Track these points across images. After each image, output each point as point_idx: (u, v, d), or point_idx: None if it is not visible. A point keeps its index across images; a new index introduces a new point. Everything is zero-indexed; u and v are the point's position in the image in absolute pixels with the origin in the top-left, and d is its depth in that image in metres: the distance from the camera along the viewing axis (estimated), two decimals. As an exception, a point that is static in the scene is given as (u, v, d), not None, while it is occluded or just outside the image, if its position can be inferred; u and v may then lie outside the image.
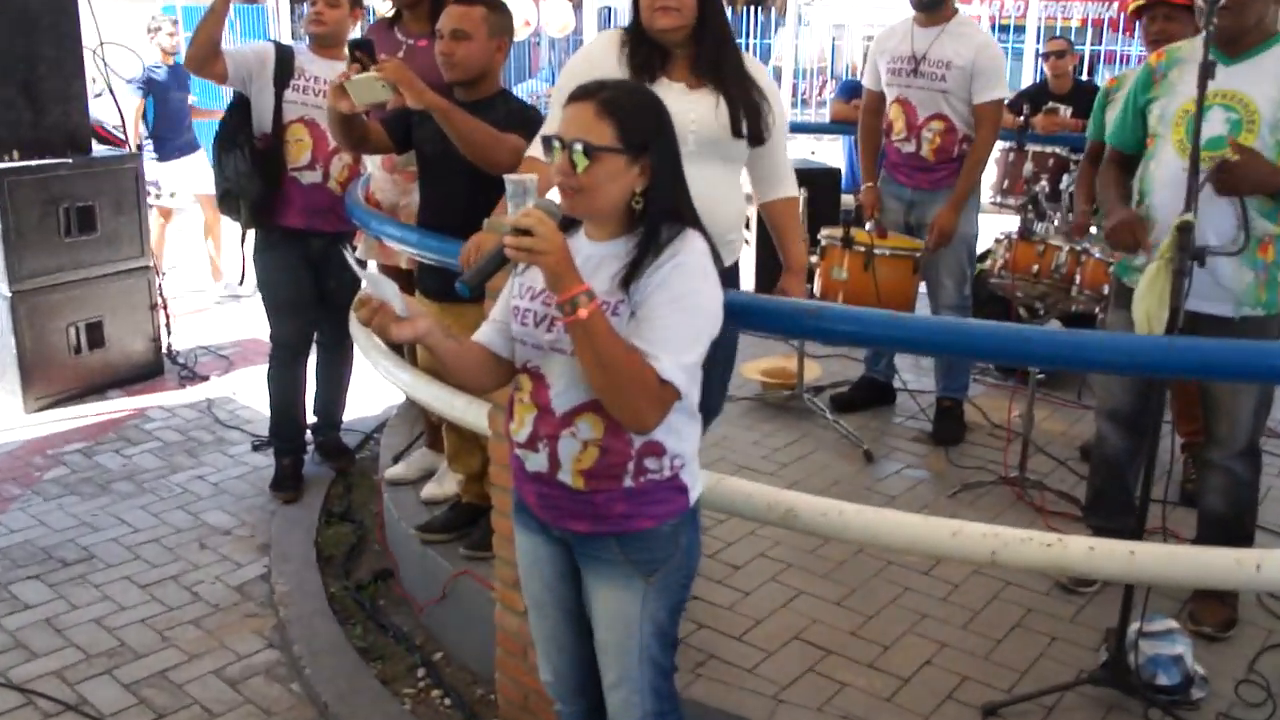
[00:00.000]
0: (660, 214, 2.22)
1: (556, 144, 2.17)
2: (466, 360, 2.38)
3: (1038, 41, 14.64)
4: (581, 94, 2.21)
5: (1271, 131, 3.15)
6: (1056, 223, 4.75)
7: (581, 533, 2.32)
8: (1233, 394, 3.35)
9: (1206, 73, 2.81)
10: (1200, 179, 2.86)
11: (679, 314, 2.14)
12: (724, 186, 3.01)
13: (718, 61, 2.98)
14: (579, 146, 2.13)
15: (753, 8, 20.21)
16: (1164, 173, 3.32)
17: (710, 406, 3.09)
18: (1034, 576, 3.73)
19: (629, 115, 2.18)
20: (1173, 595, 3.52)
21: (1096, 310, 4.31)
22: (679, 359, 2.12)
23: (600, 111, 2.16)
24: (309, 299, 4.85)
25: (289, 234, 4.71)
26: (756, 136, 3.02)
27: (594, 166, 2.14)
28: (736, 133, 2.96)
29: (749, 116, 2.97)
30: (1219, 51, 3.17)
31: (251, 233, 4.87)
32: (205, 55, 4.42)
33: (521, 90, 17.14)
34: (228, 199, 4.68)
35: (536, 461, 2.30)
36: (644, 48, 3.03)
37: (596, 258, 2.24)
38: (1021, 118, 5.44)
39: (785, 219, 3.10)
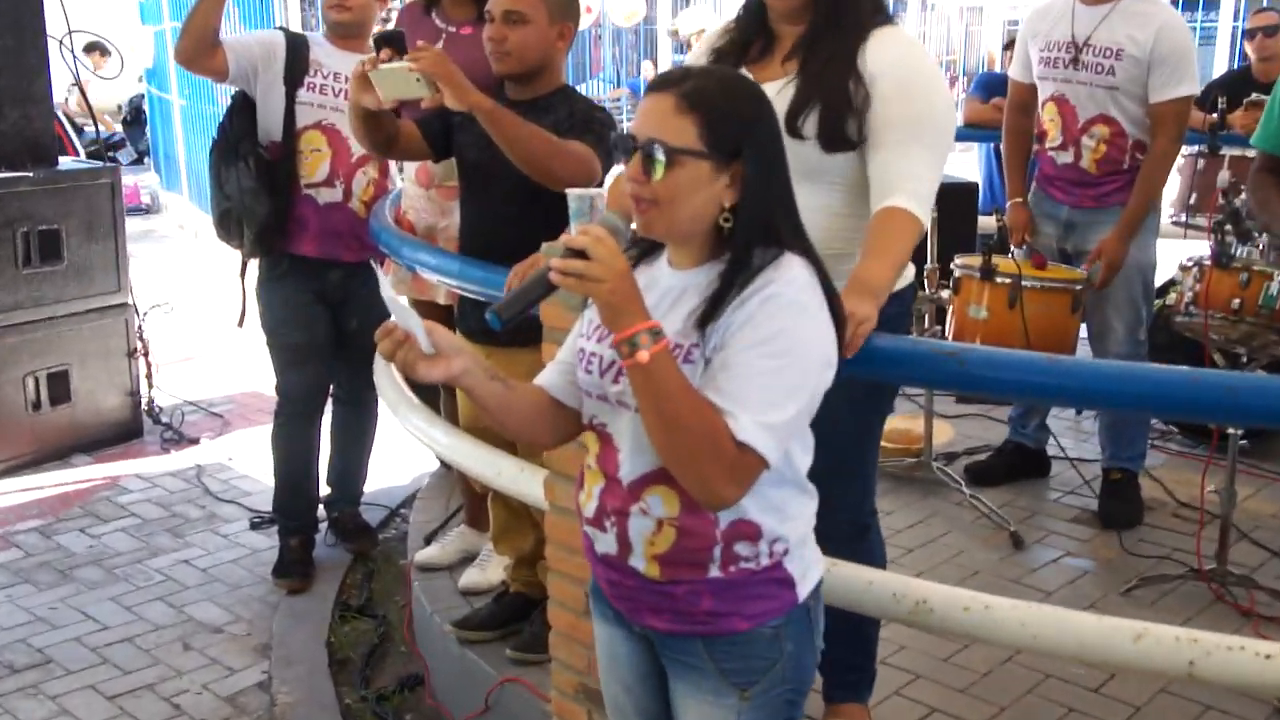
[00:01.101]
0: (752, 236, 2.16)
1: (629, 144, 2.13)
2: (518, 407, 2.33)
3: (1236, 19, 14.40)
4: (661, 83, 2.18)
5: None
6: (1263, 245, 4.68)
7: (662, 631, 2.29)
8: None
9: None
10: None
11: (765, 360, 2.07)
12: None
13: (817, 40, 2.87)
14: (655, 147, 2.09)
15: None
16: None
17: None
18: (1243, 700, 3.63)
19: (718, 110, 2.13)
20: None
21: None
22: (762, 417, 2.05)
23: (682, 105, 2.11)
24: (325, 343, 4.88)
25: (301, 264, 4.76)
26: (833, 139, 2.85)
27: (673, 172, 2.09)
28: (792, 131, 2.80)
29: (826, 114, 2.83)
30: None
31: (254, 263, 4.93)
32: (200, 47, 4.49)
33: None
34: (228, 221, 4.70)
35: (605, 542, 2.27)
36: (742, 29, 3.02)
37: (678, 290, 2.21)
38: (1215, 114, 5.39)
39: (873, 232, 2.81)
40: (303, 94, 4.68)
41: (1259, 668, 2.46)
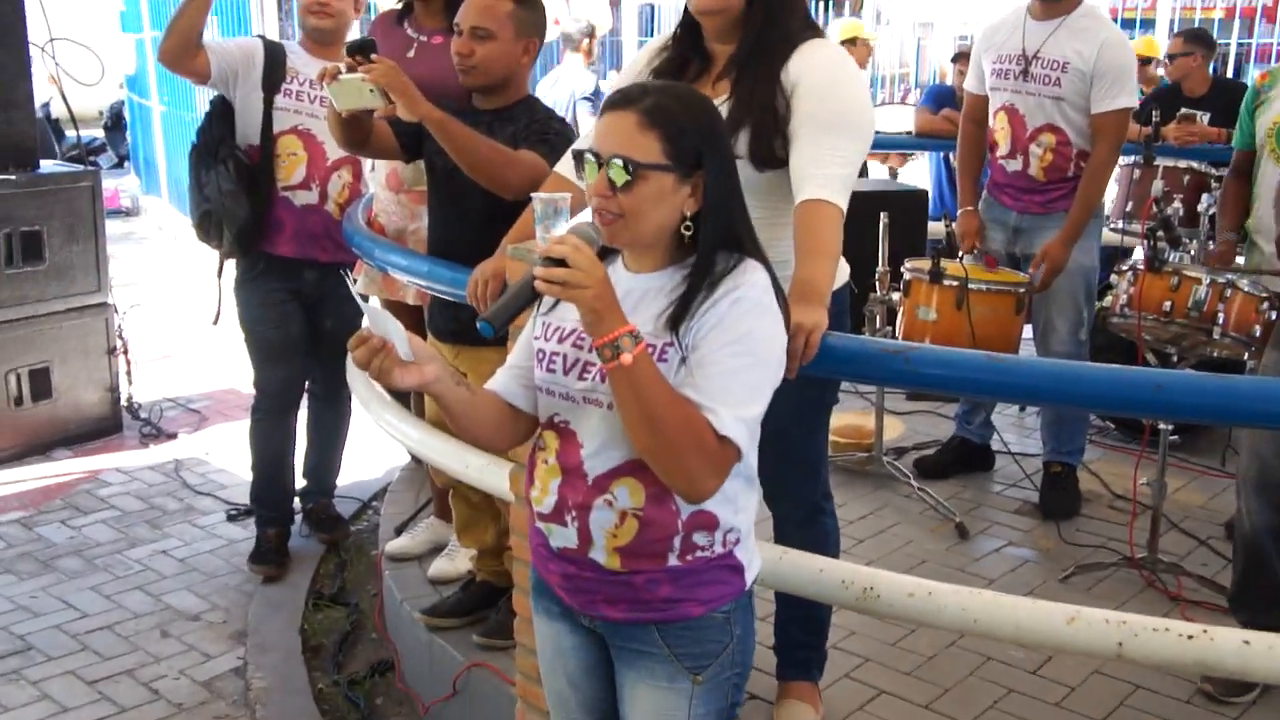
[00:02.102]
0: (716, 241, 2.19)
1: (591, 159, 2.13)
2: (479, 414, 2.34)
3: (1170, 37, 14.63)
4: (621, 100, 2.18)
5: None
6: (1194, 251, 4.75)
7: (616, 620, 2.29)
8: None
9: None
10: None
11: (740, 358, 2.11)
12: None
13: (748, 61, 2.90)
14: (619, 163, 2.10)
15: (822, 3, 20.35)
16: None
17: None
18: (1170, 679, 3.69)
19: (679, 125, 2.15)
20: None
21: (1245, 356, 4.30)
22: (739, 412, 2.09)
23: (644, 122, 2.13)
24: (300, 340, 4.88)
25: (278, 263, 4.76)
26: (763, 158, 2.89)
27: (636, 186, 2.11)
28: None
29: (756, 134, 2.87)
30: None
31: (230, 263, 4.92)
32: (184, 47, 4.47)
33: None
34: (207, 222, 4.68)
35: (564, 536, 2.27)
36: (678, 48, 3.05)
37: (638, 292, 2.21)
38: (1150, 126, 5.46)
39: (801, 230, 2.79)
40: (280, 99, 4.67)
41: (1182, 648, 2.50)
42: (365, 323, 2.20)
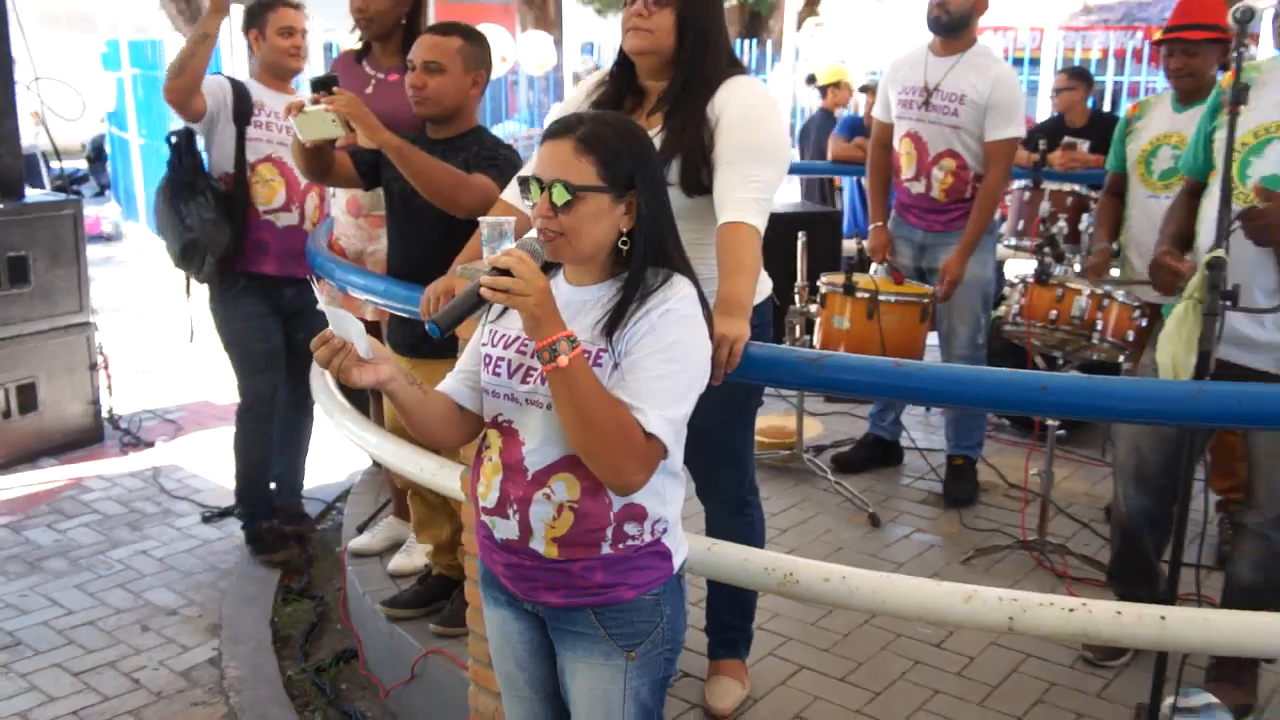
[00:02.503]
0: (648, 257, 2.22)
1: (535, 184, 2.17)
2: (430, 412, 2.36)
3: (1055, 73, 14.88)
4: (560, 129, 2.21)
5: None
6: (1077, 265, 4.82)
7: (556, 605, 2.31)
8: (1272, 456, 3.34)
9: (1237, 99, 2.87)
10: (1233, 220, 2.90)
11: (667, 364, 2.14)
12: None
13: (678, 96, 2.94)
14: (558, 186, 2.13)
15: (747, 40, 20.44)
16: (1209, 210, 3.32)
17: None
18: (1057, 648, 3.76)
19: (612, 151, 2.18)
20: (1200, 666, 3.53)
21: (1121, 359, 4.37)
22: (666, 413, 2.13)
23: (580, 148, 2.16)
24: (280, 351, 4.85)
25: (257, 282, 4.72)
26: (692, 185, 2.91)
27: (575, 207, 2.14)
28: None
29: (685, 164, 2.90)
30: None
31: (197, 285, 4.86)
32: (193, 88, 4.42)
33: (498, 133, 17.16)
34: (191, 251, 4.61)
35: (506, 528, 2.28)
36: (615, 84, 3.08)
37: (577, 303, 2.24)
38: (1037, 154, 5.53)
39: (723, 250, 2.81)
40: (251, 131, 4.65)
41: (1065, 620, 2.56)
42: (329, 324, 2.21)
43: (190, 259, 4.64)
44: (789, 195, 9.47)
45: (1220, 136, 3.22)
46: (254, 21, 4.70)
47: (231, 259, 4.64)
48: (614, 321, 2.17)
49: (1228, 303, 2.78)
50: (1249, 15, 2.91)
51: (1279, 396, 2.53)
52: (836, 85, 9.24)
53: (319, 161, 3.65)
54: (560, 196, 2.13)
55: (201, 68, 4.40)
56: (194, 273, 4.72)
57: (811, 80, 7.93)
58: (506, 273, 2.03)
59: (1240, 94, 2.88)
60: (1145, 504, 3.65)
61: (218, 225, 4.58)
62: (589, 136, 2.18)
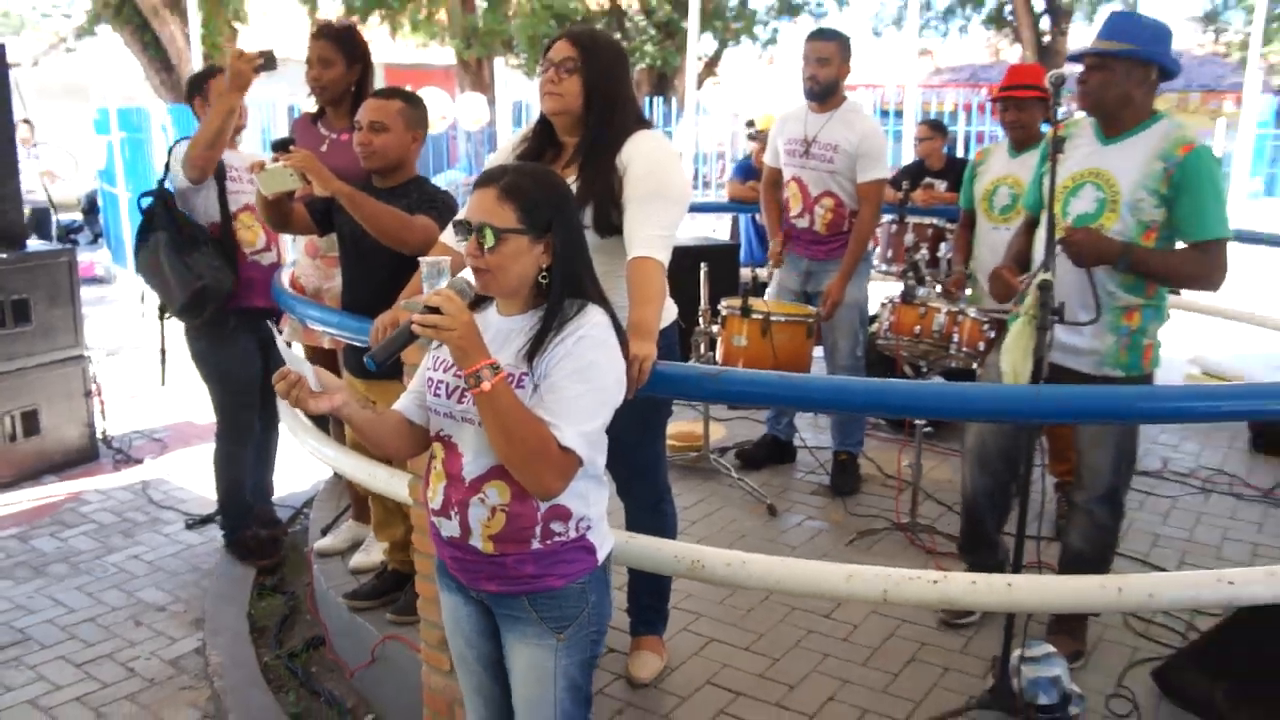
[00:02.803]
0: (563, 290, 2.22)
1: (465, 227, 2.18)
2: (383, 428, 2.37)
3: (916, 124, 15.15)
4: (485, 180, 2.23)
5: (1132, 212, 3.23)
6: (938, 287, 4.88)
7: (494, 593, 2.31)
8: (1093, 445, 3.46)
9: (1056, 149, 2.95)
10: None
11: (580, 385, 2.15)
12: None
13: (589, 150, 2.95)
14: (485, 229, 2.15)
15: (656, 97, 20.55)
16: (1042, 236, 3.38)
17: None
18: (926, 613, 3.80)
19: (529, 198, 2.19)
20: (1041, 622, 3.61)
21: (974, 365, 4.41)
22: (580, 428, 2.13)
23: (502, 196, 2.18)
24: (260, 379, 4.74)
25: (247, 316, 4.60)
26: (604, 227, 2.92)
27: (499, 248, 2.15)
28: None
29: (598, 208, 2.91)
30: (1100, 131, 3.33)
31: (172, 326, 4.76)
32: (219, 156, 4.34)
33: (441, 179, 17.20)
34: (201, 297, 4.46)
35: (449, 527, 2.29)
36: (537, 139, 3.08)
37: (505, 331, 2.25)
38: (902, 193, 5.59)
39: (633, 283, 2.81)
40: (229, 185, 4.56)
41: (928, 590, 2.59)
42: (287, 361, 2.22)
43: (200, 304, 4.49)
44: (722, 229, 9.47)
45: (1046, 180, 3.30)
46: (197, 90, 4.62)
47: (228, 299, 4.54)
48: (535, 348, 2.18)
49: (1056, 317, 2.84)
50: (1061, 80, 3.03)
51: (1095, 396, 2.63)
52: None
53: (279, 212, 3.63)
54: (486, 238, 2.14)
55: (227, 138, 4.30)
56: (193, 318, 4.56)
57: (750, 125, 7.91)
58: (437, 310, 2.03)
59: (1059, 144, 2.96)
60: (987, 485, 3.72)
61: (223, 270, 4.49)
62: (510, 186, 2.19)
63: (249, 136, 5.13)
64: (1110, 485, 3.48)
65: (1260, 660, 3.10)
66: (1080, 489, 3.53)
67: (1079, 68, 3.30)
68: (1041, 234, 3.41)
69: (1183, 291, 6.08)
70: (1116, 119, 3.29)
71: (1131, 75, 3.22)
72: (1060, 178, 3.28)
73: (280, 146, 3.52)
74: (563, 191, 2.30)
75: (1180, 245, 3.28)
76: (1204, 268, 3.21)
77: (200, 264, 4.45)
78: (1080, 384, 3.32)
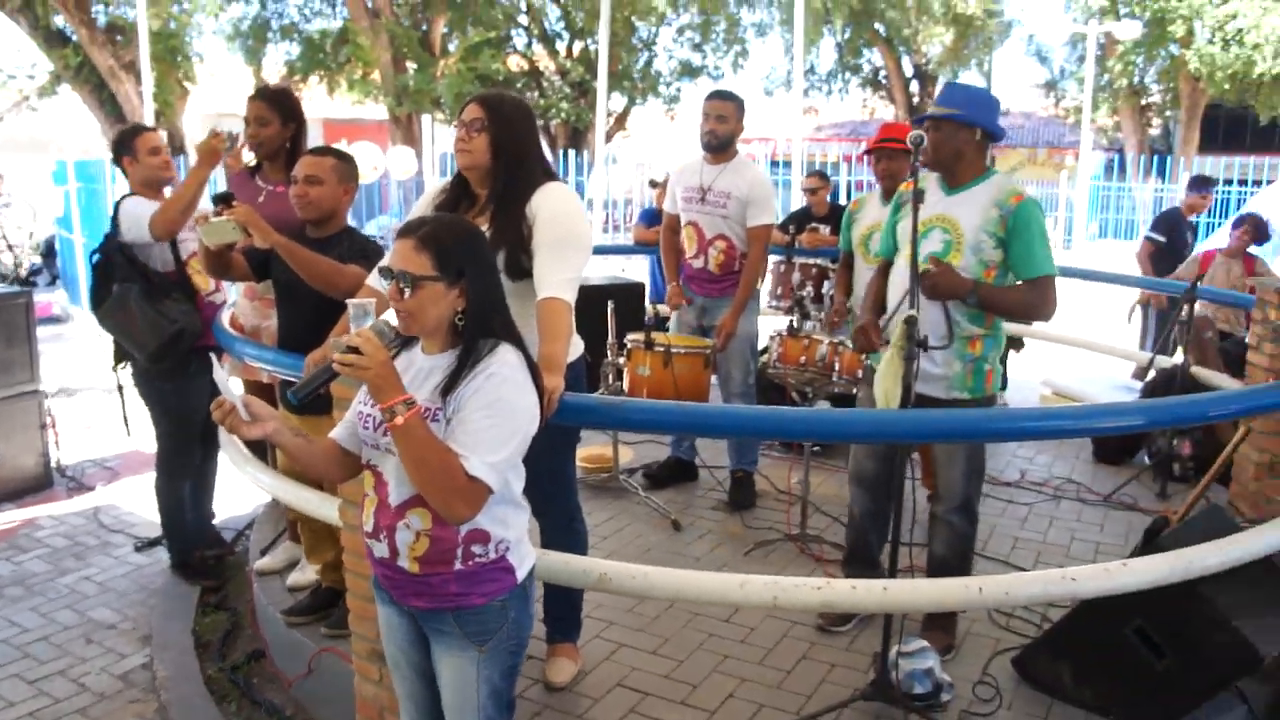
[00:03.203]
0: (476, 331, 2.21)
1: (388, 273, 2.17)
2: (315, 454, 2.35)
3: (803, 173, 15.42)
4: (404, 230, 2.22)
5: (974, 252, 3.38)
6: (821, 321, 4.93)
7: (421, 608, 2.29)
8: (947, 461, 3.54)
9: (917, 199, 3.01)
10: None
11: (489, 419, 2.13)
12: None
13: (500, 201, 2.94)
14: (404, 276, 2.14)
15: (571, 150, 20.61)
16: (897, 278, 3.54)
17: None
18: (810, 616, 3.78)
19: (444, 247, 2.17)
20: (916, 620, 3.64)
21: (855, 391, 4.44)
22: (486, 458, 2.11)
23: (419, 245, 2.17)
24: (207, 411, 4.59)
25: (202, 355, 4.40)
26: (515, 271, 2.90)
27: (417, 293, 2.14)
28: None
29: (510, 254, 2.89)
30: (944, 183, 3.44)
31: (126, 375, 4.59)
32: (188, 218, 4.21)
33: (373, 225, 17.06)
34: (177, 339, 4.30)
35: (380, 549, 2.27)
36: (453, 191, 3.06)
37: (427, 369, 2.24)
38: (789, 236, 5.64)
39: (542, 321, 2.80)
40: (181, 234, 4.41)
41: (813, 596, 2.62)
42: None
43: (175, 347, 4.32)
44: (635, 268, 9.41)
45: (902, 226, 3.52)
46: (125, 148, 4.44)
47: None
48: (449, 385, 2.17)
49: (920, 349, 2.89)
50: (919, 140, 3.13)
51: (955, 418, 2.68)
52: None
53: (220, 262, 3.58)
54: (405, 284, 2.13)
55: (193, 209, 4.17)
56: (169, 361, 4.36)
57: (653, 184, 7.92)
58: (357, 350, 2.02)
59: (919, 196, 3.04)
60: (869, 506, 3.76)
61: (193, 313, 4.36)
62: (426, 236, 2.18)
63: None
64: (964, 496, 3.55)
65: (1098, 645, 3.18)
66: (939, 502, 3.60)
67: None
68: (895, 276, 3.55)
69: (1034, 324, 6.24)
70: (954, 173, 3.45)
71: (959, 135, 3.40)
72: (908, 225, 3.39)
73: (222, 200, 3.48)
74: (477, 241, 2.28)
75: (1016, 282, 3.42)
76: (1037, 300, 3.36)
77: (173, 310, 4.32)
78: (935, 408, 3.38)
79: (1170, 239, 7.53)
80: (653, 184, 7.76)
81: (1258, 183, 20.05)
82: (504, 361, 2.19)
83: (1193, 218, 7.67)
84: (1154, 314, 7.47)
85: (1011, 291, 3.40)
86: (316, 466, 2.37)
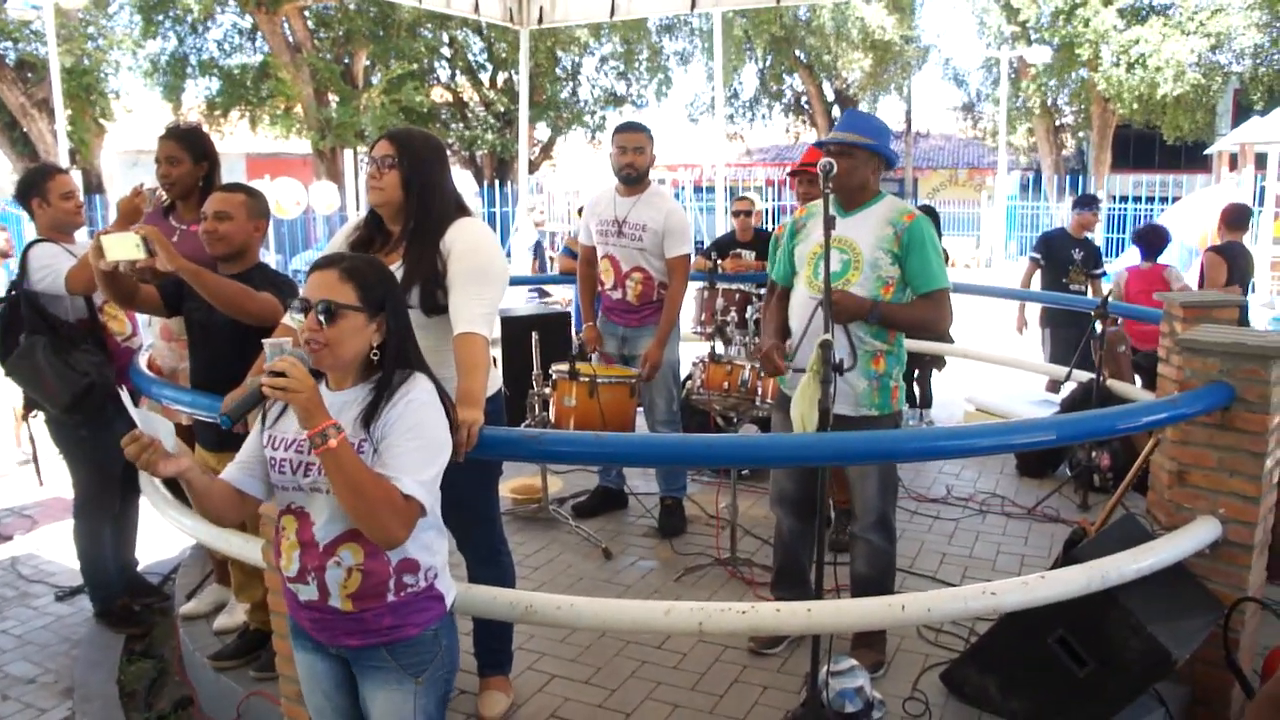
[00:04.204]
0: (395, 362, 2.25)
1: (305, 305, 2.18)
2: (213, 495, 2.30)
3: (727, 199, 15.56)
4: (325, 262, 2.24)
5: (872, 269, 3.48)
6: (747, 342, 4.97)
7: (355, 646, 2.28)
8: (860, 479, 3.60)
9: (829, 225, 3.07)
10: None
11: (414, 440, 2.17)
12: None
13: (413, 237, 2.94)
14: (325, 305, 2.16)
15: (498, 179, 20.65)
16: (797, 300, 3.63)
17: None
18: (740, 639, 3.79)
19: (367, 279, 2.22)
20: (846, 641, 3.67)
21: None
22: (418, 476, 2.15)
23: (343, 276, 2.20)
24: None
25: (120, 402, 4.32)
26: (430, 306, 2.90)
27: (337, 323, 2.17)
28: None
29: (424, 289, 2.89)
30: (840, 206, 3.51)
31: (38, 424, 4.45)
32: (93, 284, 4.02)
33: (299, 260, 16.90)
34: (89, 393, 4.15)
35: (308, 592, 2.26)
36: (366, 228, 3.07)
37: (338, 405, 2.23)
38: (712, 262, 5.70)
39: (459, 356, 2.79)
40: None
41: (739, 621, 2.63)
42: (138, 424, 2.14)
43: (86, 401, 4.16)
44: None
45: (799, 250, 3.65)
46: (35, 190, 4.28)
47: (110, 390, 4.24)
48: (370, 414, 2.20)
49: (837, 372, 2.94)
50: (830, 167, 3.20)
51: (862, 441, 2.73)
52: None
53: (120, 287, 3.45)
54: (324, 313, 2.16)
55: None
56: (80, 412, 4.20)
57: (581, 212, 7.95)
58: (283, 375, 2.03)
59: (832, 221, 3.11)
60: (795, 525, 3.79)
61: (105, 364, 4.22)
62: (350, 268, 2.23)
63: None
64: (880, 512, 3.60)
65: (1023, 656, 3.24)
66: (856, 521, 3.65)
67: None
68: (795, 300, 3.64)
69: (955, 341, 6.36)
70: (853, 196, 3.56)
71: (869, 163, 3.54)
72: (809, 247, 3.59)
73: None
74: (392, 278, 2.33)
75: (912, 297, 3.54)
76: (934, 314, 3.50)
77: (83, 362, 4.17)
78: (844, 427, 3.44)
79: (1050, 258, 7.78)
80: (580, 212, 7.78)
81: (1164, 199, 20.72)
82: (421, 388, 2.24)
83: (1086, 234, 7.89)
84: (1049, 331, 7.65)
85: (910, 307, 3.51)
86: (213, 507, 2.32)
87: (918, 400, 7.12)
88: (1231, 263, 7.05)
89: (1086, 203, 7.92)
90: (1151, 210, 20.67)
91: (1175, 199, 17.83)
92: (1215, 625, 3.29)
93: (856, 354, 3.44)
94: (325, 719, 2.44)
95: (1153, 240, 7.26)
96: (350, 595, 2.22)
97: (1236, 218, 7.40)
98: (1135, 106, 24.08)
